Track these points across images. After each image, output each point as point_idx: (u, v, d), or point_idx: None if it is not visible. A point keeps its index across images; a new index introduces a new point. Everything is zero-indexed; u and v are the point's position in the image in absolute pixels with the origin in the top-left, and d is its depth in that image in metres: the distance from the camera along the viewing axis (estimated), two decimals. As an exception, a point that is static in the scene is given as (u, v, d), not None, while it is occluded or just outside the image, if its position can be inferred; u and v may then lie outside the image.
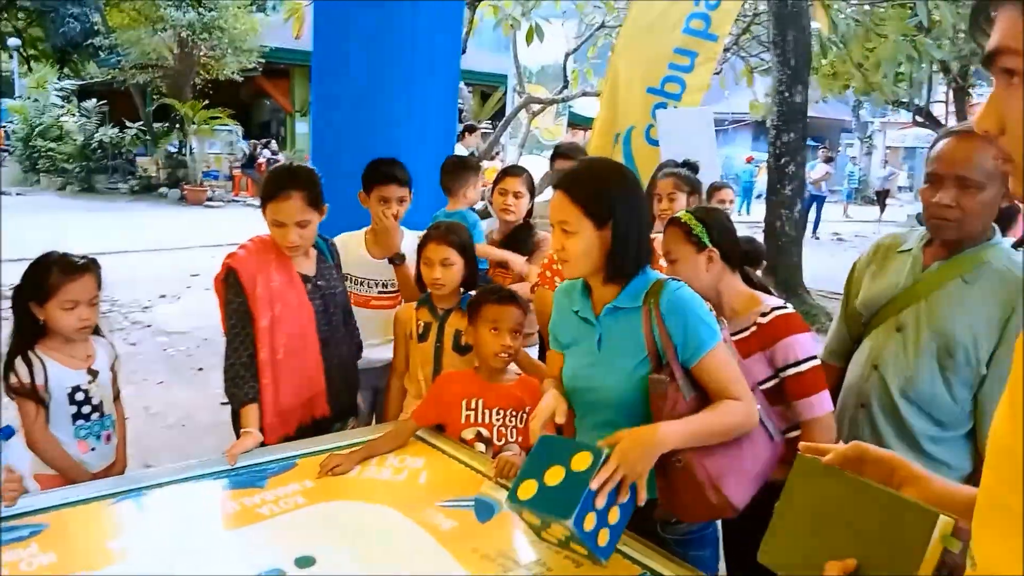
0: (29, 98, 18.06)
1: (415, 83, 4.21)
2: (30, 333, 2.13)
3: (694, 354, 1.66)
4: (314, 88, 4.41)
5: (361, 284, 2.87)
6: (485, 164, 9.18)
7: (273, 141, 18.78)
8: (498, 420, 2.23)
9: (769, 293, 2.13)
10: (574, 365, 1.84)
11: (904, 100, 14.41)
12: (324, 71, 4.27)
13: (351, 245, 2.81)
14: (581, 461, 1.51)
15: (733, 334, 2.03)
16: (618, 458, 1.50)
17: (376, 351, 2.78)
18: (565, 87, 10.66)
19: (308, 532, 1.76)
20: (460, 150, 7.67)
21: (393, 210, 2.76)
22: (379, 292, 2.89)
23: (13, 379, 2.08)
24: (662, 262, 2.50)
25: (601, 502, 1.48)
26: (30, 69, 24.25)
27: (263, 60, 17.31)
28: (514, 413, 2.23)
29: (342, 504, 1.91)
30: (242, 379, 2.22)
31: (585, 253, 1.68)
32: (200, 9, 15.73)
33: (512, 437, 2.20)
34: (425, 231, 2.60)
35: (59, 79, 19.52)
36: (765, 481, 1.73)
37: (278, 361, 2.25)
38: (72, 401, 2.16)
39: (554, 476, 1.51)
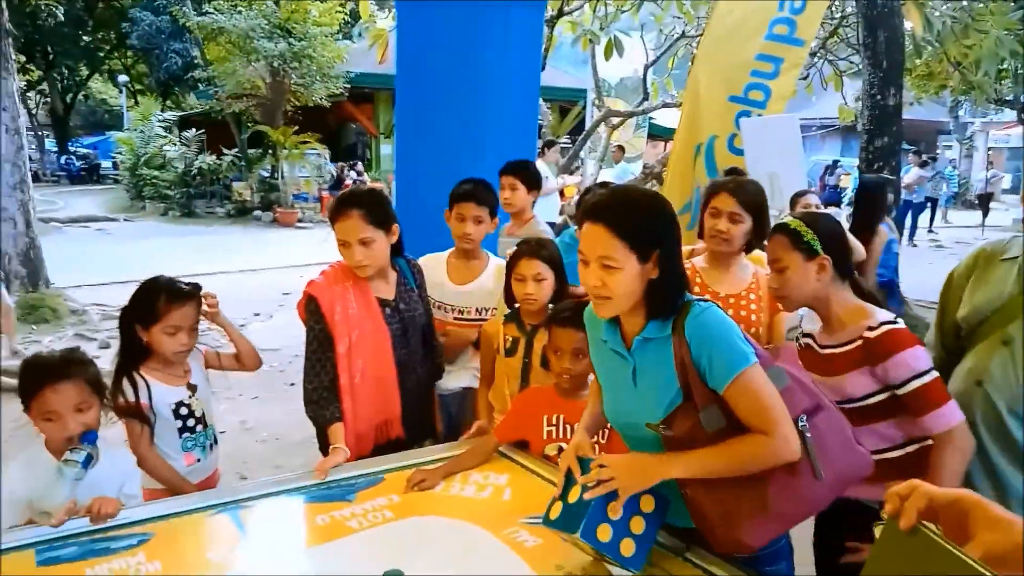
0: (135, 130, 19.20)
1: (496, 101, 4.28)
2: (135, 354, 2.26)
3: (721, 380, 1.56)
4: (398, 110, 4.53)
5: (439, 309, 2.83)
6: (565, 179, 9.18)
7: (359, 163, 19.32)
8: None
9: (879, 305, 2.01)
10: (613, 401, 1.77)
11: (1008, 99, 13.62)
12: (407, 94, 4.39)
13: (431, 267, 2.80)
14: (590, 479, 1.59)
15: (837, 346, 1.95)
16: (614, 470, 1.55)
17: (450, 379, 2.81)
18: (645, 99, 10.58)
19: (396, 546, 1.79)
20: (540, 166, 7.70)
21: (467, 229, 2.76)
22: (455, 319, 2.86)
23: (120, 399, 2.20)
24: (761, 270, 2.43)
25: (615, 513, 1.54)
26: (136, 103, 25.89)
27: (349, 86, 17.88)
28: (595, 429, 2.21)
29: (428, 519, 1.93)
30: (325, 401, 2.29)
31: (629, 290, 1.57)
32: (290, 40, 16.40)
33: (595, 453, 2.18)
34: (516, 246, 2.60)
35: (162, 111, 20.70)
36: (803, 519, 1.64)
37: (356, 385, 2.31)
38: (177, 416, 2.27)
39: (574, 495, 1.61)
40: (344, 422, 2.28)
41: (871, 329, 1.89)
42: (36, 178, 24.75)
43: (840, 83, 9.68)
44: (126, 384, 2.22)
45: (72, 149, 28.48)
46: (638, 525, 1.57)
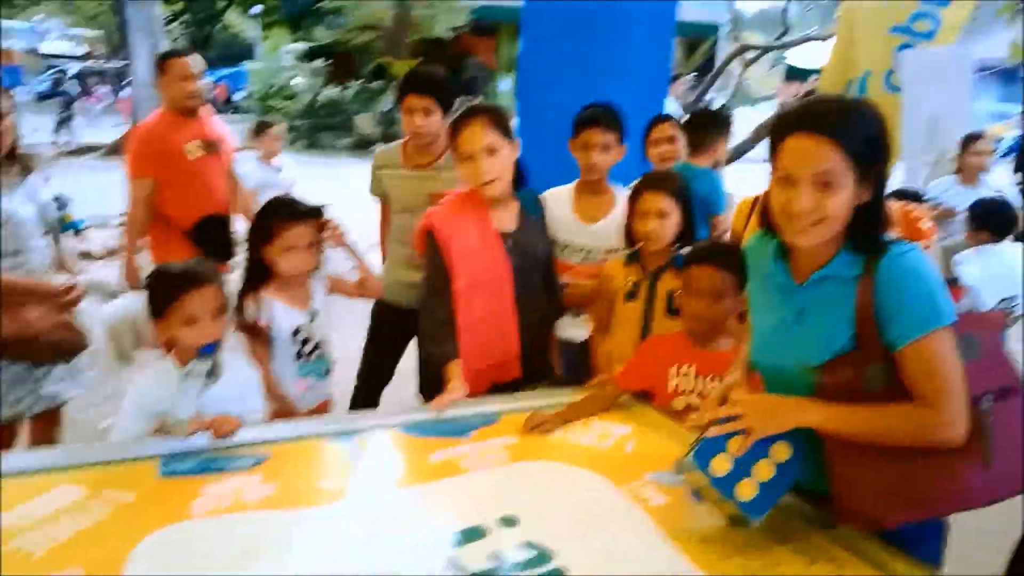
0: (266, 61, 19.79)
1: (626, 33, 4.00)
2: (258, 275, 2.25)
3: (902, 336, 1.35)
4: (522, 40, 4.34)
5: (564, 249, 2.60)
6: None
7: (478, 98, 19.23)
8: (712, 390, 2.04)
9: None
10: (766, 341, 1.57)
11: None
12: (532, 22, 4.18)
13: (555, 203, 2.57)
14: None
15: None
16: (746, 406, 1.43)
17: (575, 328, 2.63)
18: (785, 33, 9.82)
19: (511, 491, 1.70)
20: (669, 102, 7.31)
21: (592, 158, 2.55)
22: (581, 260, 2.61)
23: (242, 317, 2.20)
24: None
25: (738, 448, 1.42)
26: (269, 34, 26.63)
27: (472, 18, 17.67)
28: (729, 383, 2.03)
29: (546, 464, 1.83)
30: (443, 337, 2.20)
31: (843, 214, 1.36)
32: (417, -30, 16.31)
33: None
34: (641, 177, 2.40)
35: (292, 42, 21.21)
36: (956, 511, 1.43)
37: (474, 322, 2.21)
38: (294, 340, 2.26)
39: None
40: (462, 359, 2.19)
41: None
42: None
43: (1014, 16, 8.62)
44: (249, 303, 2.22)
45: (208, 79, 29.82)
46: (765, 471, 1.43)
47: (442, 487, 1.72)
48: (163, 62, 3.43)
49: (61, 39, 29.54)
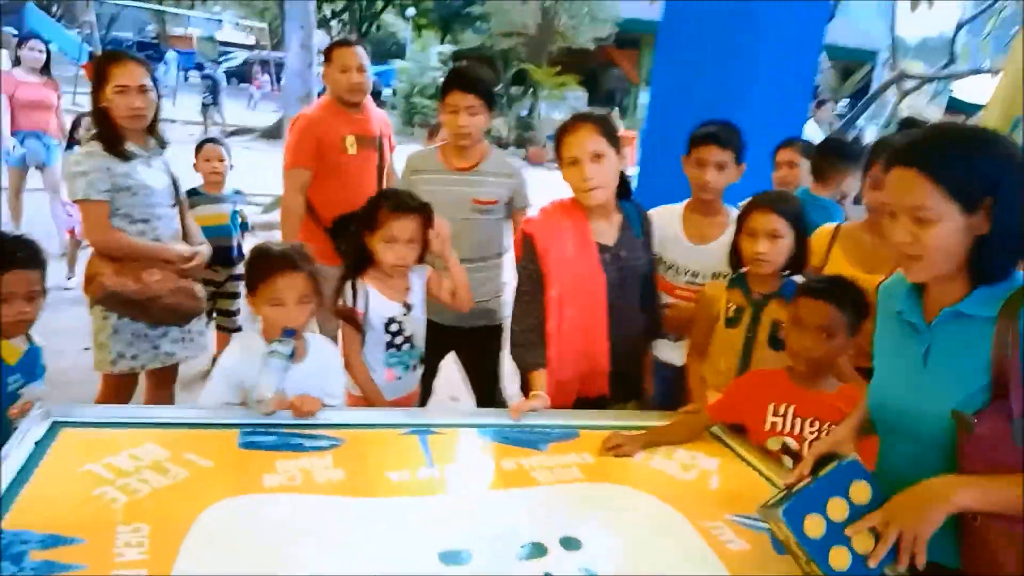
0: (415, 60, 20.52)
1: (767, 51, 3.81)
2: (360, 262, 2.28)
3: None
4: (658, 53, 4.22)
5: (670, 269, 2.50)
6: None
7: (616, 109, 19.12)
8: (811, 433, 1.89)
9: None
10: (885, 379, 1.47)
11: None
12: (670, 36, 4.07)
13: (664, 221, 2.47)
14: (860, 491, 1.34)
15: None
16: (888, 513, 1.28)
17: (674, 351, 2.51)
18: (951, 63, 9.13)
19: (579, 511, 1.63)
20: (811, 126, 6.97)
21: (707, 176, 2.39)
22: (687, 282, 2.49)
23: (340, 302, 2.24)
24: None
25: (838, 514, 1.30)
26: (420, 35, 27.64)
27: (616, 29, 17.60)
28: (834, 428, 1.86)
29: (620, 489, 1.75)
30: (532, 344, 2.15)
31: (947, 248, 1.28)
32: (566, -21, 16.45)
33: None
34: (752, 196, 2.24)
35: (441, 43, 21.92)
36: None
37: (563, 332, 2.14)
38: (387, 330, 2.28)
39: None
40: (548, 369, 2.13)
41: None
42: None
43: None
44: (348, 289, 2.26)
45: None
46: (864, 541, 1.29)
47: (510, 497, 1.68)
48: (330, 51, 3.27)
49: (235, 29, 31.90)
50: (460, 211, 2.57)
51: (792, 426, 1.90)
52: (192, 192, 3.46)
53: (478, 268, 2.68)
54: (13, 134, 5.44)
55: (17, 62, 5.61)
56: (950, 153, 1.28)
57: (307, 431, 1.83)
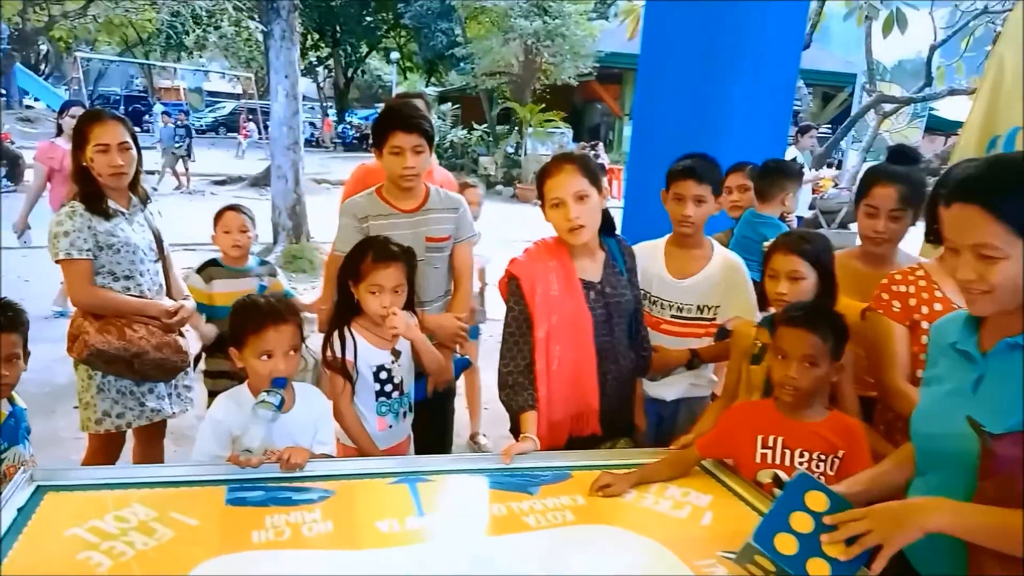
0: (400, 104, 20.81)
1: (745, 81, 3.87)
2: (348, 311, 2.28)
3: None
4: (638, 87, 4.28)
5: (654, 304, 2.54)
6: (823, 172, 8.36)
7: (601, 143, 19.32)
8: (801, 464, 1.88)
9: None
10: (931, 405, 1.47)
11: None
12: (650, 70, 4.13)
13: (647, 257, 2.49)
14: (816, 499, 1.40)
15: None
16: (870, 520, 1.32)
17: (665, 387, 2.52)
18: (927, 85, 9.29)
19: (571, 555, 1.61)
20: (793, 153, 7.05)
21: (686, 210, 2.43)
22: (671, 316, 2.53)
23: (329, 352, 2.23)
24: None
25: (803, 526, 1.35)
26: (405, 78, 28.05)
27: (598, 65, 17.88)
28: (822, 457, 1.86)
29: (612, 531, 1.73)
30: (520, 386, 2.15)
31: (1015, 283, 1.28)
32: (546, 18, 16.73)
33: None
34: (776, 238, 2.26)
35: (426, 86, 22.21)
36: None
37: (552, 372, 2.14)
38: (376, 379, 2.27)
39: (798, 523, 1.39)
40: (538, 410, 2.13)
41: None
42: (317, 144, 27.78)
43: None
44: (335, 338, 2.25)
45: (348, 119, 31.58)
46: (835, 550, 1.33)
47: (501, 543, 1.66)
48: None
49: (223, 79, 32.27)
50: (416, 252, 2.45)
51: (782, 457, 1.89)
52: (211, 263, 3.00)
53: (441, 308, 2.68)
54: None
55: (59, 131, 5.31)
56: (1013, 188, 1.27)
57: (296, 483, 1.81)
